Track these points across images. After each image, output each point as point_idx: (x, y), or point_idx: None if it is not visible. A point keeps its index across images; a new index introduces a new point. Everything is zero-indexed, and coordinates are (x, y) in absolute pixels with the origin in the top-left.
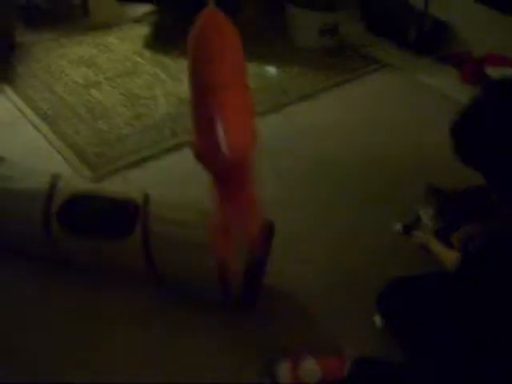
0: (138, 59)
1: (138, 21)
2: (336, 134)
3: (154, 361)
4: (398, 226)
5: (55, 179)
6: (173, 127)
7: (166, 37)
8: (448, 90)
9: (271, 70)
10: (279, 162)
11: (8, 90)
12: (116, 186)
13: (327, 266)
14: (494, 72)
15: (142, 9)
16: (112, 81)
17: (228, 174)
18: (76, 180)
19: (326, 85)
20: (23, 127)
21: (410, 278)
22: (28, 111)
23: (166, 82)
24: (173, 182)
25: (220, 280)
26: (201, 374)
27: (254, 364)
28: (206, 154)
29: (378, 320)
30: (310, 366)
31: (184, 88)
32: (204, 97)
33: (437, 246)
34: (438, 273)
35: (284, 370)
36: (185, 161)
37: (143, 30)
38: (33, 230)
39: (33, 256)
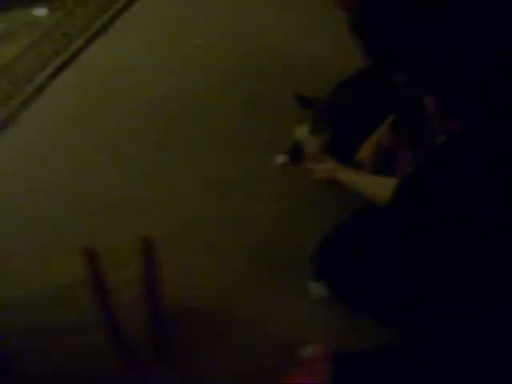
0: None
1: None
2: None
3: None
4: (281, 158)
5: None
6: None
7: None
8: None
9: (40, 11)
10: None
11: None
12: None
13: (225, 247)
14: None
15: None
16: None
17: None
18: None
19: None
20: None
21: (345, 225)
22: None
23: None
24: None
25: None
26: None
27: None
28: None
29: (315, 287)
30: None
31: None
32: None
33: (351, 175)
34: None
35: None
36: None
37: None
38: None
39: None
